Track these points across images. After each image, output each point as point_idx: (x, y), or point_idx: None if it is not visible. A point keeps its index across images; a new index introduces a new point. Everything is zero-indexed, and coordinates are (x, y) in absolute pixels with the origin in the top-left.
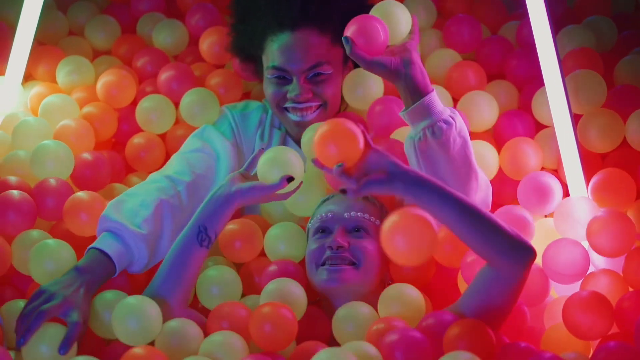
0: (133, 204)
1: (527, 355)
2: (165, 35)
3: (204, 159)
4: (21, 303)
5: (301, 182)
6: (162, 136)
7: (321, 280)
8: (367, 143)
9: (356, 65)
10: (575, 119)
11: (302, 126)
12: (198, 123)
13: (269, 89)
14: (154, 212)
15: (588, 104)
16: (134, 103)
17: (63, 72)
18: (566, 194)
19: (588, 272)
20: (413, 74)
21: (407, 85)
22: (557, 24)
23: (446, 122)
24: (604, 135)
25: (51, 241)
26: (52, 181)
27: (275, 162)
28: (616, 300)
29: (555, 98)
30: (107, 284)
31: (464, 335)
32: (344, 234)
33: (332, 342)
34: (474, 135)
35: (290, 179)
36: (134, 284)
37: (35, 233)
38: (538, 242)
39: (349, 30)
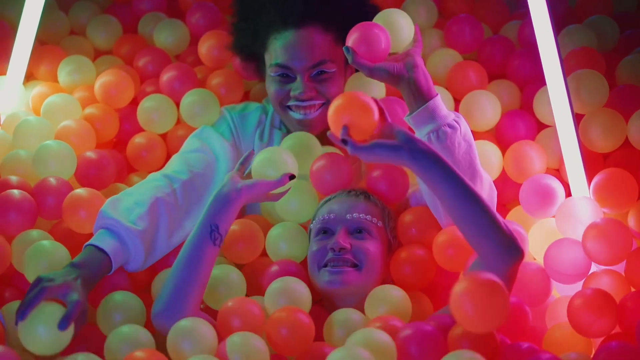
0: (129, 202)
1: (528, 355)
2: (166, 35)
3: (203, 158)
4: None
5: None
6: (163, 136)
7: (323, 281)
8: (383, 116)
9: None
10: (577, 118)
11: (304, 124)
12: (198, 124)
13: (271, 87)
14: (149, 209)
15: (590, 103)
16: (135, 103)
17: (64, 72)
18: (568, 193)
19: (590, 272)
20: (416, 78)
21: (410, 89)
22: (558, 23)
23: (451, 126)
24: (606, 135)
25: (46, 242)
26: (53, 180)
27: (270, 162)
28: (618, 300)
29: (557, 98)
30: (109, 284)
31: (467, 334)
32: (346, 235)
33: None
34: (476, 135)
35: (292, 177)
36: (136, 285)
37: (35, 233)
38: (540, 242)
39: (351, 38)
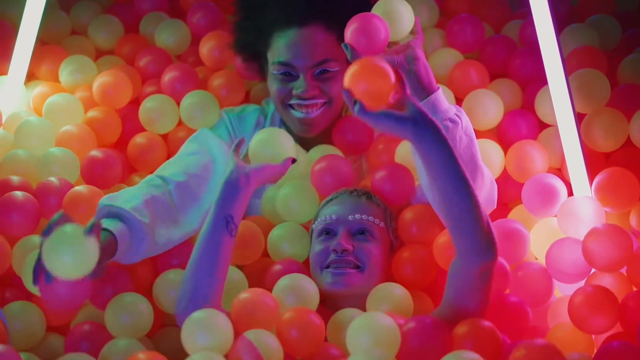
0: (125, 196)
1: None
2: (167, 35)
3: (200, 160)
4: (22, 306)
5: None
6: (164, 137)
7: (326, 283)
8: (402, 88)
9: None
10: (579, 118)
11: (306, 123)
12: (197, 125)
13: (273, 85)
14: (144, 203)
15: (592, 103)
16: (137, 103)
17: (66, 72)
18: (569, 193)
19: (592, 272)
20: (417, 71)
21: (411, 82)
22: (560, 22)
23: (452, 120)
24: (608, 134)
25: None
26: (55, 180)
27: (267, 142)
28: (620, 300)
29: (558, 97)
30: (112, 285)
31: (471, 333)
32: (348, 236)
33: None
34: (478, 134)
35: (293, 160)
36: (139, 285)
37: (36, 239)
38: (541, 242)
39: (349, 29)
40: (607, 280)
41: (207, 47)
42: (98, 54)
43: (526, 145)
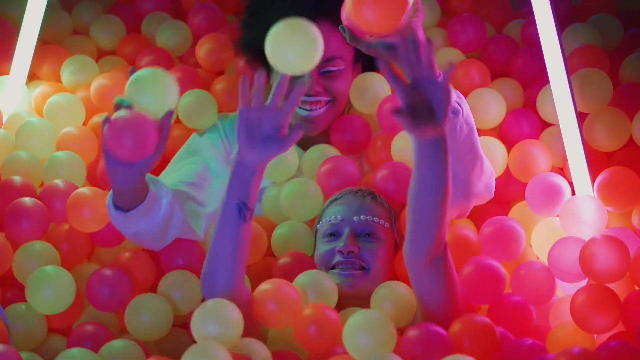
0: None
1: (532, 353)
2: (168, 35)
3: (195, 169)
4: (24, 307)
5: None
6: None
7: None
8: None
9: (364, 69)
10: (581, 117)
11: (309, 121)
12: (195, 124)
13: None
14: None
15: (594, 102)
16: None
17: (68, 71)
18: (572, 192)
19: None
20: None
21: (411, 67)
22: (562, 22)
23: (453, 110)
24: (610, 134)
25: (50, 268)
26: (60, 183)
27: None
28: (622, 299)
29: (560, 96)
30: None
31: (468, 331)
32: (354, 238)
33: None
34: (480, 133)
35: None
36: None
37: (38, 245)
38: (542, 241)
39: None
40: None
41: (204, 50)
42: (100, 54)
43: (529, 145)
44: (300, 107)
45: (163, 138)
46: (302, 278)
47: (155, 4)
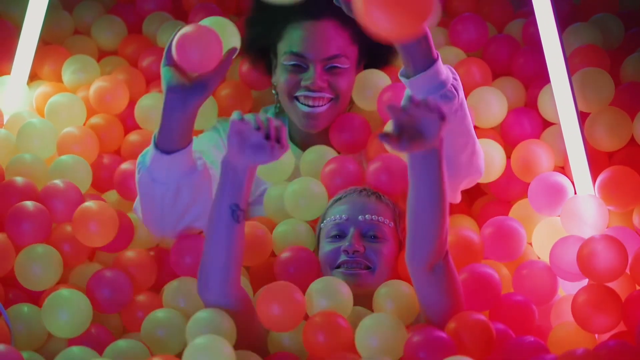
0: None
1: (533, 352)
2: (169, 35)
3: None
4: (26, 308)
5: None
6: None
7: None
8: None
9: (367, 68)
10: (582, 117)
11: (310, 117)
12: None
13: (282, 76)
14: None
15: (595, 102)
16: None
17: (69, 72)
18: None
19: None
20: None
21: (410, 52)
22: (563, 21)
23: (448, 94)
24: (612, 133)
25: (65, 291)
26: (60, 184)
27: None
28: (623, 299)
29: (561, 96)
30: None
31: (464, 327)
32: (359, 237)
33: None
34: (481, 132)
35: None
36: (138, 289)
37: (40, 248)
38: (543, 241)
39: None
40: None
41: None
42: (101, 54)
43: (532, 144)
44: (302, 103)
45: (223, 66)
46: (317, 285)
47: (156, 4)
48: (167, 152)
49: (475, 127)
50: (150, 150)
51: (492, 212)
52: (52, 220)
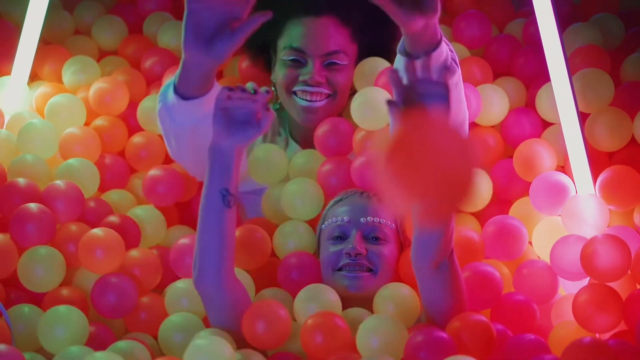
0: None
1: (533, 351)
2: (170, 36)
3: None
4: (26, 308)
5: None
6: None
7: (340, 285)
8: None
9: None
10: (582, 117)
11: (308, 112)
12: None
13: (281, 71)
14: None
15: (595, 102)
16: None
17: (69, 72)
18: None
19: None
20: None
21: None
22: (563, 21)
23: (449, 68)
24: (612, 133)
25: (62, 308)
26: (61, 184)
27: None
28: (624, 298)
29: (562, 96)
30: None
31: (465, 327)
32: (361, 239)
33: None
34: (482, 131)
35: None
36: (142, 290)
37: (43, 250)
38: (543, 240)
39: None
40: None
41: None
42: (101, 55)
43: (535, 144)
44: (300, 98)
45: (247, 25)
46: (303, 294)
47: (157, 4)
48: (185, 98)
49: (476, 125)
50: (170, 88)
51: (493, 212)
52: (56, 221)
